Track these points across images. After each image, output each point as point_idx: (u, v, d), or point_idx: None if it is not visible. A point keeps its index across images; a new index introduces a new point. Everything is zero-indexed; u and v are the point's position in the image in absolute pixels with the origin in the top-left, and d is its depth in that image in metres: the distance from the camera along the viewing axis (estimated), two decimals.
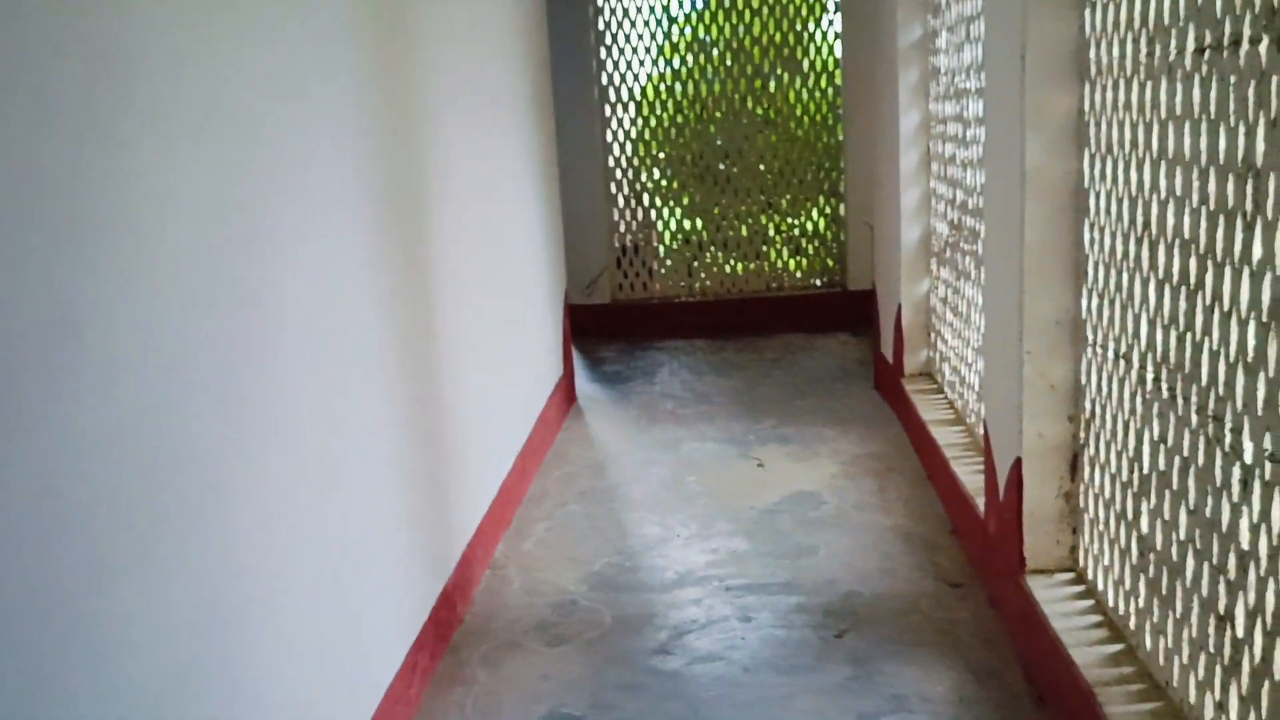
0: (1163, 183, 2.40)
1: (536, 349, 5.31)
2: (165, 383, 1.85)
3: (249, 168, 2.20)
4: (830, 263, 8.00)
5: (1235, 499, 2.08)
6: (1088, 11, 2.82)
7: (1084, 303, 2.94)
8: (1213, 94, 2.12)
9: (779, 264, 8.03)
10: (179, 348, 1.90)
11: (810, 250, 8.02)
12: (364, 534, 2.77)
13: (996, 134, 3.28)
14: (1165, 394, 2.42)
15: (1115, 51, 2.65)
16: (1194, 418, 2.27)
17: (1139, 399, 2.58)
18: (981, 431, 4.15)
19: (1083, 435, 3.01)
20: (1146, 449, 2.55)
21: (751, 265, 8.02)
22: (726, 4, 7.67)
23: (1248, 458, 2.03)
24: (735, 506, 4.41)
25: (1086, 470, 2.98)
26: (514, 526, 4.32)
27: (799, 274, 8.05)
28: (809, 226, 7.99)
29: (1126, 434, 2.67)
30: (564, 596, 3.68)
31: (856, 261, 7.71)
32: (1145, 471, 2.56)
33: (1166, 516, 2.43)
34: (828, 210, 7.94)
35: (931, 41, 4.97)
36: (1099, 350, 2.84)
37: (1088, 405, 2.95)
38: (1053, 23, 2.88)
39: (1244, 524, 2.05)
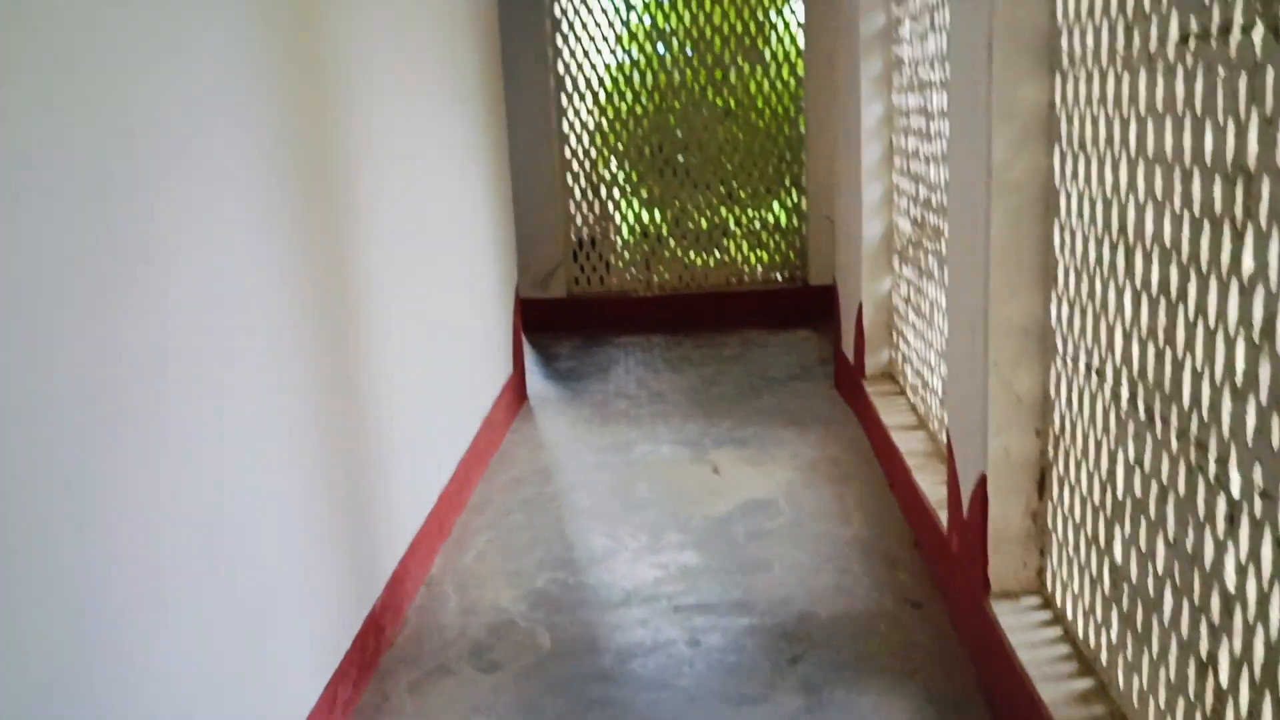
0: (1141, 184, 2.21)
1: (482, 348, 5.07)
2: (17, 392, 1.60)
3: (115, 146, 1.95)
4: (791, 257, 7.81)
5: (1220, 535, 1.89)
6: None
7: (1054, 310, 2.75)
8: (1199, 87, 1.93)
9: (739, 258, 7.83)
10: (35, 353, 1.66)
11: (771, 244, 7.82)
12: (270, 556, 2.53)
13: (961, 127, 3.08)
14: (1142, 414, 2.23)
15: (1090, 40, 2.45)
16: (1174, 442, 2.08)
17: (1113, 417, 2.39)
18: (945, 440, 3.97)
19: (1051, 451, 2.82)
20: (1121, 471, 2.36)
21: (711, 259, 7.82)
22: None
23: (1235, 491, 1.84)
24: (687, 515, 4.20)
25: (1055, 489, 2.80)
26: (454, 537, 4.09)
27: (759, 268, 7.86)
28: (770, 220, 7.79)
29: (1099, 454, 2.48)
30: (502, 616, 3.46)
31: (818, 256, 7.52)
32: (1119, 496, 2.37)
33: (1142, 547, 2.24)
34: (789, 204, 7.74)
35: (895, 31, 4.77)
36: (1070, 362, 2.66)
37: (1057, 420, 2.76)
38: (1022, 9, 2.68)
39: (1229, 563, 1.86)
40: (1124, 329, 2.32)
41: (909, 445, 4.22)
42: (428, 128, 4.22)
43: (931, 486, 3.78)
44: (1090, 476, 2.54)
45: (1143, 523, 2.24)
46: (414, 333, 3.86)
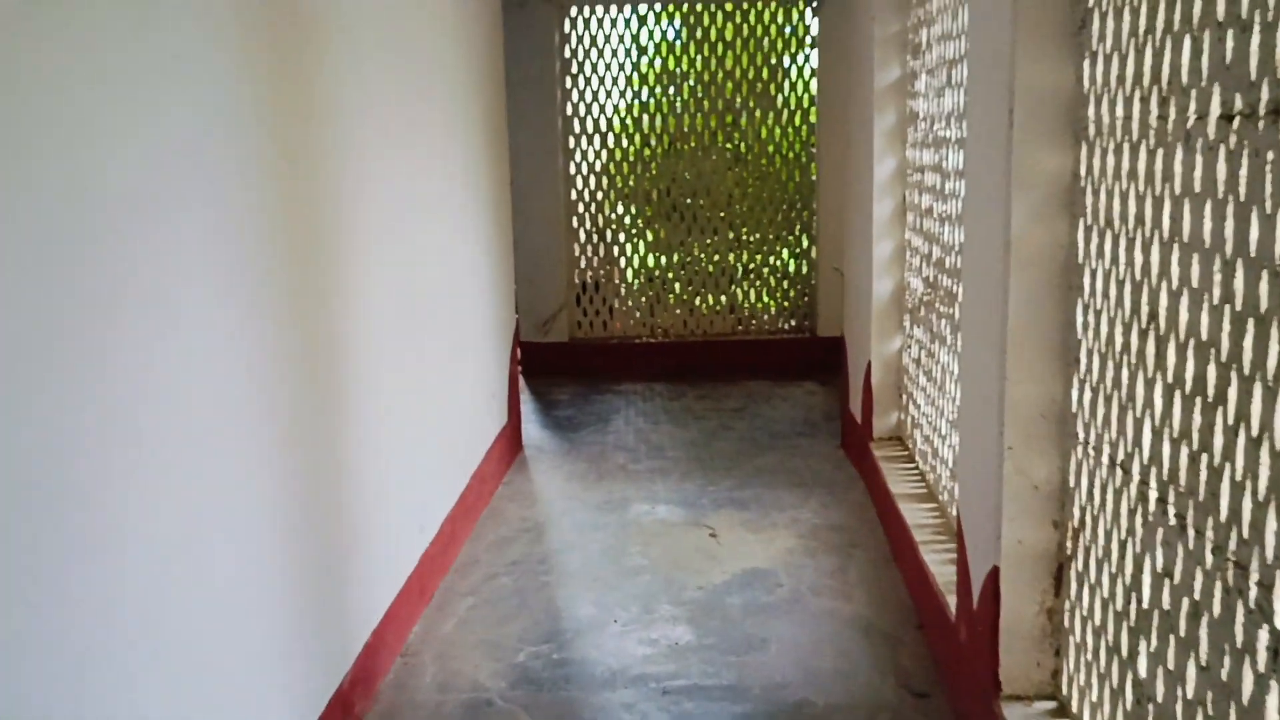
0: (1175, 269, 2.03)
1: (475, 397, 4.89)
2: None
3: (73, 209, 1.79)
4: (799, 307, 7.64)
5: (1261, 669, 1.70)
6: (1087, 62, 2.45)
7: (1075, 394, 2.56)
8: (1243, 171, 1.75)
9: (745, 307, 7.66)
10: None
11: (779, 293, 7.66)
12: (221, 627, 2.34)
13: (978, 192, 2.91)
14: (1173, 520, 2.04)
15: (1119, 111, 2.28)
16: (1208, 556, 1.88)
17: (1139, 518, 2.20)
18: (955, 514, 3.78)
19: (1070, 545, 2.62)
20: (1147, 579, 2.16)
21: (717, 307, 7.65)
22: (699, 35, 7.33)
23: (1279, 622, 1.65)
24: (682, 585, 4.00)
25: (1073, 586, 2.60)
26: (435, 602, 3.90)
27: (766, 318, 7.69)
28: (778, 268, 7.63)
29: (1123, 556, 2.28)
30: (480, 694, 3.25)
31: (827, 307, 7.36)
32: (1145, 605, 2.17)
33: (1170, 665, 2.04)
34: (798, 253, 7.58)
35: (911, 84, 4.62)
36: (1092, 452, 2.47)
37: (1077, 513, 2.57)
38: (1045, 73, 2.51)
39: (1272, 702, 1.67)
40: (1153, 424, 2.13)
41: (916, 517, 4.02)
42: (424, 172, 4.07)
43: (939, 565, 3.58)
44: (1114, 579, 2.34)
45: (1171, 640, 2.04)
46: (402, 383, 3.69)
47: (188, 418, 2.18)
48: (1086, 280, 2.49)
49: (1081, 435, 2.53)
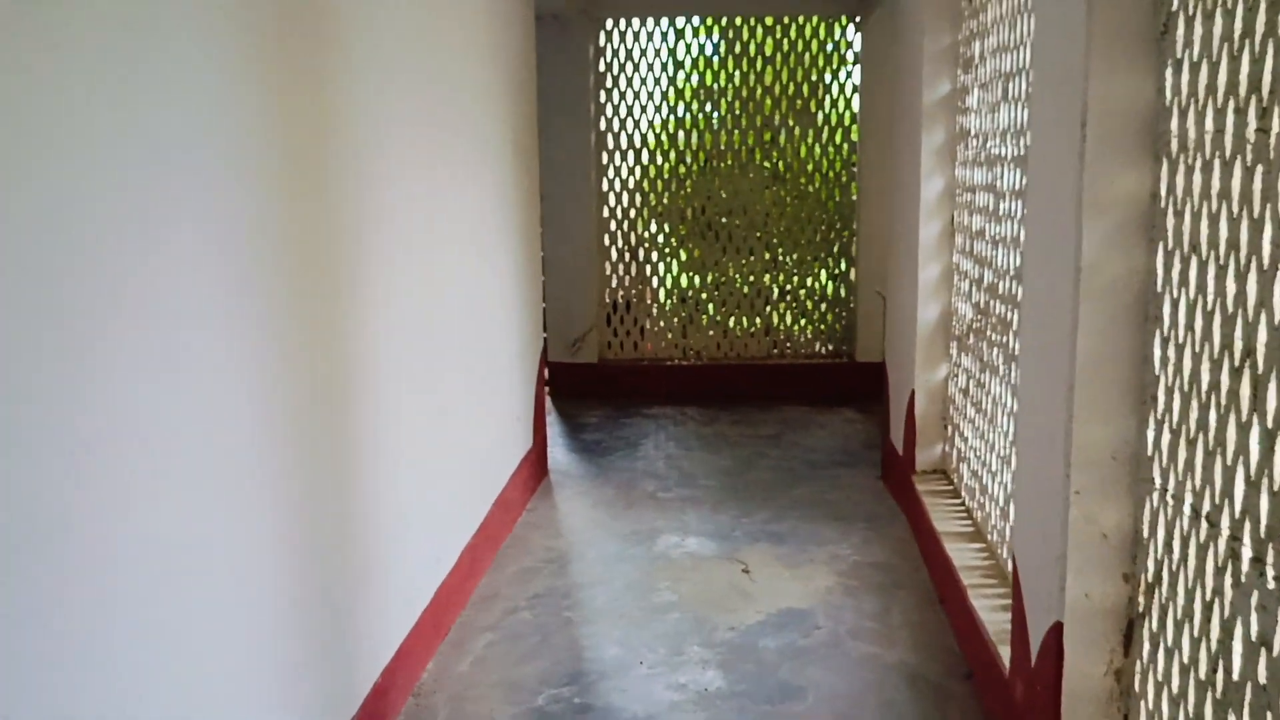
0: (1278, 300, 1.80)
1: (499, 420, 4.70)
2: None
3: (58, 214, 1.61)
4: (838, 330, 7.41)
5: None
6: (1169, 71, 2.24)
7: (1150, 435, 2.33)
8: None
9: (782, 330, 7.44)
10: None
11: (816, 316, 7.43)
12: (216, 664, 2.15)
13: (1042, 215, 2.69)
14: (1271, 583, 1.80)
15: (1208, 124, 2.06)
16: None
17: (1227, 577, 1.96)
18: (1008, 559, 3.54)
19: (1143, 601, 2.39)
20: (1238, 646, 1.93)
21: (752, 329, 7.43)
22: (737, 50, 7.13)
23: None
24: (713, 625, 3.78)
25: (1146, 646, 2.36)
26: (452, 637, 3.70)
27: (803, 341, 7.46)
28: (816, 290, 7.40)
29: (1207, 618, 2.05)
30: None
31: (866, 331, 7.12)
32: (1234, 676, 1.94)
33: None
34: (837, 275, 7.35)
35: (961, 100, 4.41)
36: (1170, 500, 2.24)
37: (1151, 565, 2.34)
38: (1123, 84, 2.29)
39: None
40: (1246, 473, 1.90)
41: (964, 558, 3.78)
42: (450, 187, 3.89)
43: (990, 612, 3.34)
44: (1196, 643, 2.10)
45: (1269, 718, 1.81)
46: (422, 407, 3.50)
47: (181, 446, 1.99)
48: (1166, 310, 2.26)
49: (1158, 481, 2.30)
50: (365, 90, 2.98)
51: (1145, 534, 2.36)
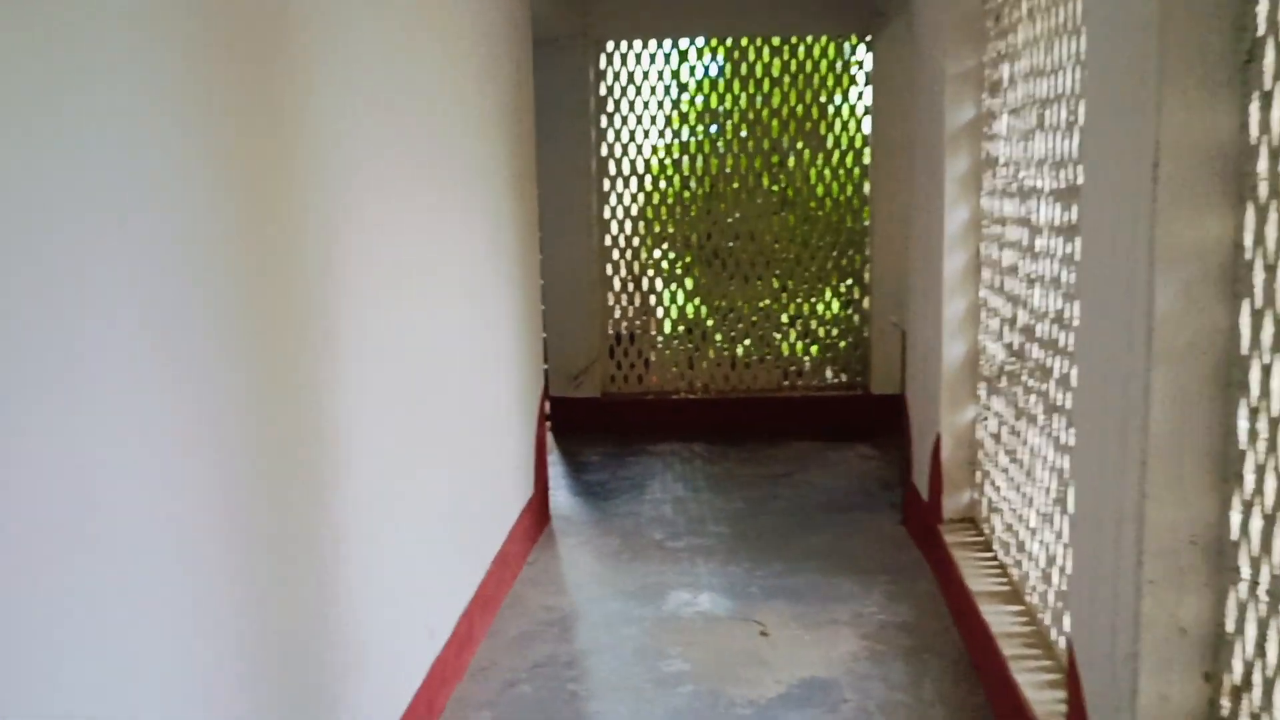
0: None
1: (496, 471, 4.41)
2: None
3: None
4: (851, 362, 7.12)
5: None
6: (1255, 105, 1.95)
7: (1235, 518, 2.04)
8: None
9: (792, 361, 7.15)
10: None
11: (828, 347, 7.13)
12: None
13: (1101, 260, 2.40)
14: None
15: None
16: None
17: None
18: (1051, 627, 3.24)
19: (1227, 704, 2.09)
20: None
21: (761, 360, 7.14)
22: (743, 72, 6.86)
23: None
24: (729, 700, 3.48)
25: None
26: (446, 718, 3.39)
27: (814, 373, 7.16)
28: (828, 318, 7.11)
29: None
30: None
31: (881, 362, 6.83)
32: None
33: None
34: (849, 303, 7.06)
35: (987, 125, 4.13)
36: (1258, 595, 1.94)
37: (1238, 667, 2.04)
38: (1201, 119, 2.01)
39: None
40: None
41: (1001, 623, 3.47)
42: (438, 220, 3.61)
43: (1036, 690, 3.03)
44: None
45: None
46: (409, 461, 3.21)
47: (110, 526, 1.70)
48: (1253, 376, 1.97)
49: (1245, 570, 2.01)
50: (334, 120, 2.69)
51: (1230, 630, 2.07)
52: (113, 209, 1.70)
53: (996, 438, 4.01)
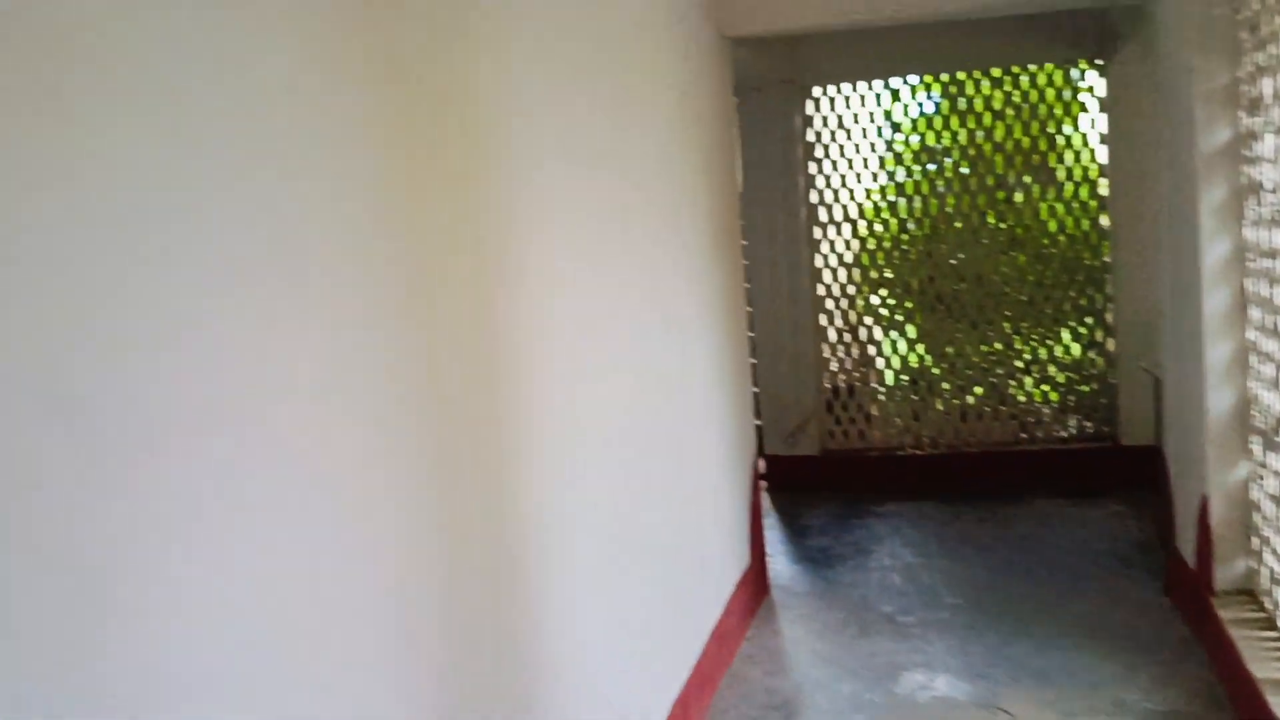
0: None
1: (711, 539, 4.20)
2: None
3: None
4: (1096, 411, 6.52)
5: None
6: None
7: None
8: None
9: (1029, 410, 6.62)
10: None
11: (1069, 394, 6.57)
12: None
13: None
14: None
15: None
16: None
17: None
18: None
19: None
20: None
21: (994, 411, 6.64)
22: (962, 107, 6.47)
23: None
24: None
25: None
26: None
27: (1054, 423, 6.61)
28: (1068, 364, 6.56)
29: None
30: None
31: (1132, 410, 6.21)
32: None
33: None
34: (1091, 346, 6.49)
35: (1247, 147, 3.65)
36: None
37: None
38: None
39: None
40: None
41: None
42: (637, 276, 3.48)
43: None
44: None
45: None
46: (612, 538, 3.05)
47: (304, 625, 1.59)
48: None
49: None
50: (528, 171, 2.59)
51: None
52: (305, 289, 1.61)
53: (1276, 500, 3.48)
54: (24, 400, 1.13)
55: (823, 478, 6.64)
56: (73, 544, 1.19)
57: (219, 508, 1.42)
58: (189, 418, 1.37)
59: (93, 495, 1.22)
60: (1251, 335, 3.74)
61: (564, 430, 2.70)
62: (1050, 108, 6.36)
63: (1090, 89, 6.31)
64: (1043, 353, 6.57)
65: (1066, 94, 6.35)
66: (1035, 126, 6.38)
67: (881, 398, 6.82)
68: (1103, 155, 6.29)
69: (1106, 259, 6.37)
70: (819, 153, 6.65)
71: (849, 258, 6.73)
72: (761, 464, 6.30)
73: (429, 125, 2.10)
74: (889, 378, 6.82)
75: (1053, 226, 6.46)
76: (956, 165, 6.53)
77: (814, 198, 6.68)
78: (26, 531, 1.13)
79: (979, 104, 6.44)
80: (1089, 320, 6.46)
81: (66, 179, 1.21)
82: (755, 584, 4.77)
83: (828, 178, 6.67)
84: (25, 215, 1.15)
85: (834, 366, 6.81)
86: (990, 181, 6.48)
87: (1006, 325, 6.61)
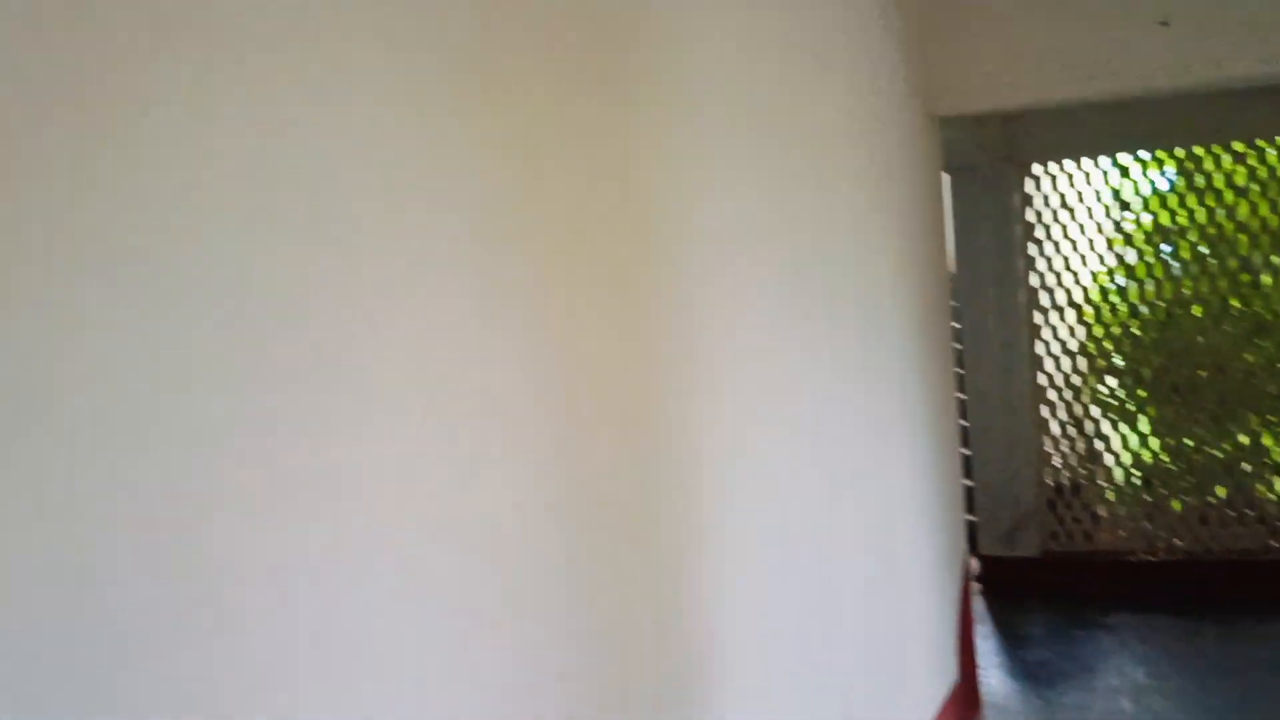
0: None
1: (911, 654, 3.91)
2: None
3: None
4: None
5: None
6: None
7: None
8: None
9: None
10: None
11: None
12: None
13: None
14: None
15: None
16: None
17: None
18: None
19: None
20: None
21: (1240, 515, 6.00)
22: (1199, 183, 5.98)
23: None
24: None
25: None
26: None
27: None
28: None
29: None
30: None
31: None
32: None
33: None
34: None
35: None
36: None
37: None
38: None
39: None
40: None
41: None
42: (832, 371, 3.29)
43: None
44: None
45: None
46: (804, 645, 2.85)
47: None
48: None
49: None
50: (711, 271, 2.48)
51: None
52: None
53: None
54: None
55: (1044, 583, 6.15)
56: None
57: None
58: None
59: None
60: None
61: (748, 542, 2.54)
62: None
63: None
64: None
65: None
66: None
67: (1110, 496, 6.29)
68: None
69: None
70: (1040, 233, 6.28)
71: (1073, 345, 6.29)
72: (975, 564, 5.91)
73: (598, 209, 2.03)
74: (1118, 474, 6.29)
75: None
76: (1194, 246, 6.02)
77: (1034, 280, 6.30)
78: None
79: (1219, 180, 5.93)
80: None
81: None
82: (964, 703, 4.41)
83: (1049, 260, 6.28)
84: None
85: (1056, 461, 6.34)
86: (1233, 264, 5.94)
87: (1253, 419, 5.99)
